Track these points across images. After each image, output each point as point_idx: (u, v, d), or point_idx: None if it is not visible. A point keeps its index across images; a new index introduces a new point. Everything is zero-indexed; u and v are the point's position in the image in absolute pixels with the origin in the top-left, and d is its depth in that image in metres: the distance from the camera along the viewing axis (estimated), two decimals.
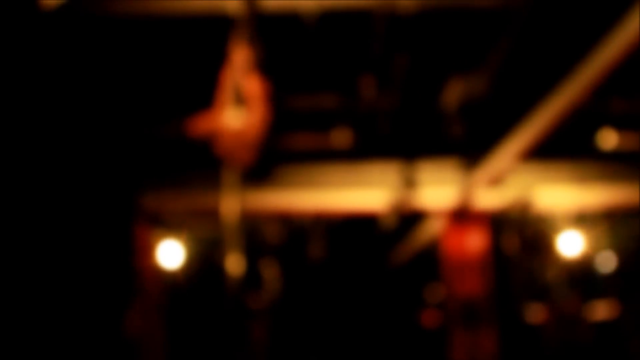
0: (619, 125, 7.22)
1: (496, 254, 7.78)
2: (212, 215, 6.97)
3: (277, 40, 6.28)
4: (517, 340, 9.19)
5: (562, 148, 7.03)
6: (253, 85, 4.89)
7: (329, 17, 5.84)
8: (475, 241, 7.22)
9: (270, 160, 5.32)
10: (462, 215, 7.25)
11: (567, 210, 7.76)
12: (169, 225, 8.52)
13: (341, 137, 7.46)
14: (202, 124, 5.22)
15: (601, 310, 9.76)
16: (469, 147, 6.94)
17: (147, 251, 7.83)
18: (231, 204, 5.60)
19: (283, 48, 6.43)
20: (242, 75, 4.88)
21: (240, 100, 4.85)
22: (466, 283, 7.21)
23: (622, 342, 8.99)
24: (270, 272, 10.40)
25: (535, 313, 9.96)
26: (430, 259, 9.30)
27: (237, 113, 4.91)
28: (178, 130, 5.49)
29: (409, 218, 8.23)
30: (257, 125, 4.93)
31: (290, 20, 5.93)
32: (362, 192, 7.14)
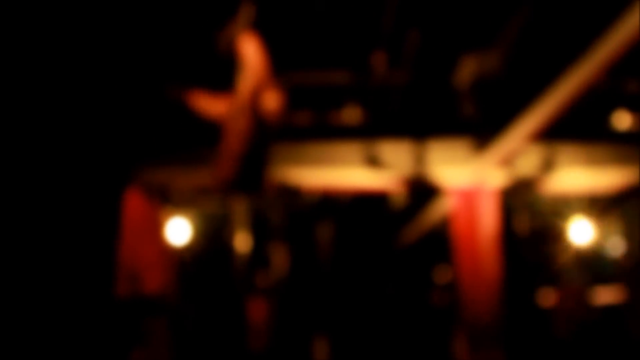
0: (633, 106, 7.15)
1: (507, 236, 7.72)
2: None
3: (288, 15, 6.22)
4: (527, 324, 9.15)
5: (575, 129, 6.96)
6: (245, 85, 4.71)
7: None
8: (486, 222, 7.16)
9: (260, 171, 5.07)
10: (473, 195, 7.19)
11: (579, 192, 7.68)
12: (176, 202, 8.48)
13: (352, 114, 7.40)
14: (212, 107, 5.07)
15: (609, 295, 9.71)
16: (481, 125, 6.87)
17: (155, 228, 7.78)
18: None
19: (294, 23, 6.37)
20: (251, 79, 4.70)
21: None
22: (477, 265, 7.15)
23: (630, 327, 8.94)
24: (277, 251, 10.37)
25: (545, 297, 9.92)
26: (439, 239, 9.25)
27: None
28: (186, 100, 5.37)
29: (419, 197, 8.18)
30: (242, 135, 4.73)
31: None
32: (372, 169, 7.07)
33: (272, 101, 4.83)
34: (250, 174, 5.01)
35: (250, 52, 4.68)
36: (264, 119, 4.80)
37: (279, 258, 10.41)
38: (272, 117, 4.86)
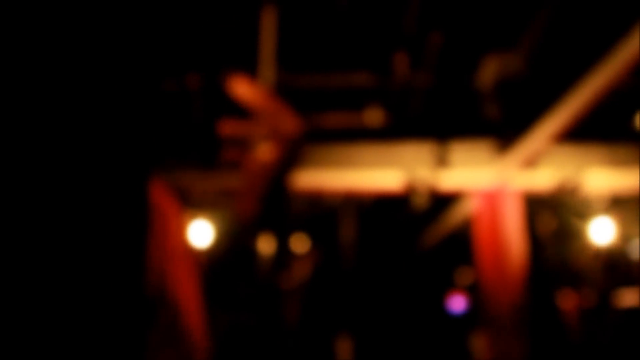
0: None
1: (529, 238, 7.68)
2: None
3: (310, 17, 6.23)
4: (547, 325, 9.12)
5: (598, 129, 6.93)
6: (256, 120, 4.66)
7: None
8: (509, 224, 7.14)
9: (284, 206, 4.98)
10: (495, 197, 7.17)
11: (602, 193, 7.64)
12: (198, 205, 8.49)
13: (374, 116, 7.39)
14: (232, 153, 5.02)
15: (632, 298, 9.66)
16: (504, 127, 6.85)
17: (177, 230, 7.79)
18: None
19: (316, 25, 6.38)
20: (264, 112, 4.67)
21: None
22: (500, 268, 7.13)
23: None
24: (300, 253, 10.39)
25: (566, 298, 9.89)
26: (461, 242, 9.24)
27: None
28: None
29: (441, 199, 8.17)
30: (263, 168, 4.67)
31: None
32: (394, 171, 7.07)
33: (288, 128, 4.79)
34: (274, 211, 4.93)
35: (245, 93, 4.62)
36: (284, 146, 4.76)
37: (303, 259, 10.43)
38: (291, 144, 4.82)
